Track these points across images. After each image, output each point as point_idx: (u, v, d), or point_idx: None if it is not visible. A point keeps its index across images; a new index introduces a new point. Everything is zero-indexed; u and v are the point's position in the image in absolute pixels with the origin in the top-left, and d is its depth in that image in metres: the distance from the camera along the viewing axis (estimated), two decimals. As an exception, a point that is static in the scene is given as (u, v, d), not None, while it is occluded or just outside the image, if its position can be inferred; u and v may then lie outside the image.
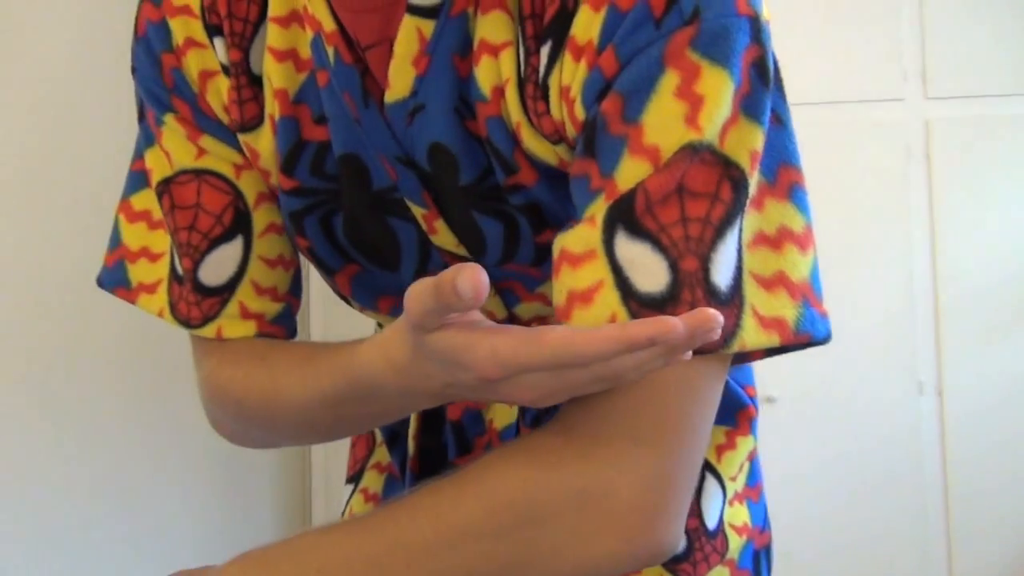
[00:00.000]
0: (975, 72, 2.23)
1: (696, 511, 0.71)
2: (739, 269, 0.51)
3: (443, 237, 0.64)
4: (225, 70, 0.67)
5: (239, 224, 0.69)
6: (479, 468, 0.54)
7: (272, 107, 0.66)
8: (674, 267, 0.50)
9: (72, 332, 1.83)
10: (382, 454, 0.84)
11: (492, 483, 0.52)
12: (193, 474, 2.17)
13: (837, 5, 2.17)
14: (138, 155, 0.73)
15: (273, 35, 0.65)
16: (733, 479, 0.75)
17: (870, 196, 2.20)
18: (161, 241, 0.71)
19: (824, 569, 2.21)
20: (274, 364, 0.66)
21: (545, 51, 0.55)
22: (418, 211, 0.63)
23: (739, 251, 0.52)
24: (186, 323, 0.70)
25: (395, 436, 0.81)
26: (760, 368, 0.77)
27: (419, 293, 0.46)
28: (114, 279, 0.73)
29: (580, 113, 0.54)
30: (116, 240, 0.74)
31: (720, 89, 0.51)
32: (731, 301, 0.51)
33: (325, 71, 0.63)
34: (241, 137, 0.68)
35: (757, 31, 0.52)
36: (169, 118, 0.69)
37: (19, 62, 1.71)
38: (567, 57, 0.54)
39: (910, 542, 2.30)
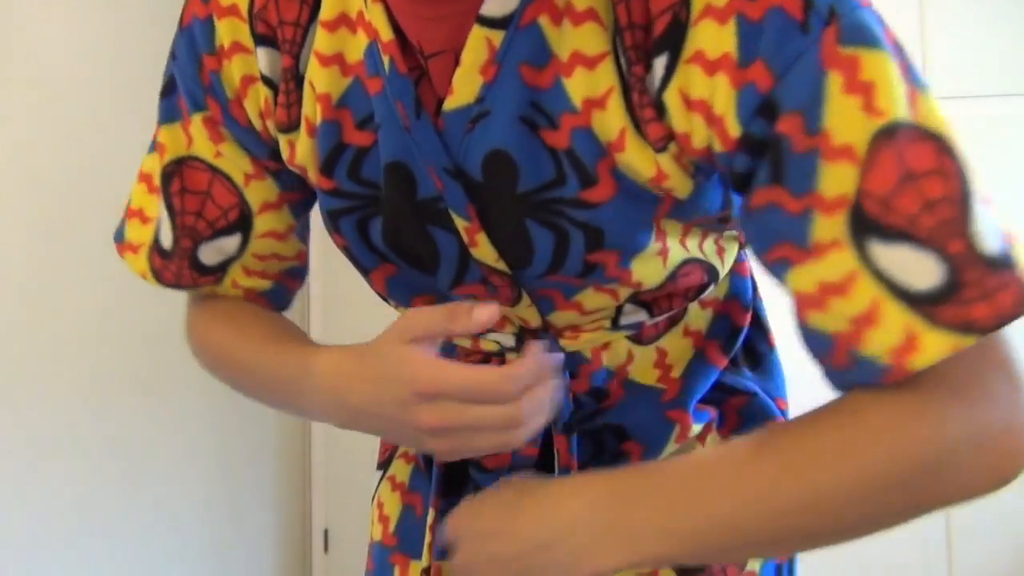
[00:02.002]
0: (975, 72, 2.23)
1: None
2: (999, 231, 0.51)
3: (483, 251, 0.64)
4: (266, 81, 0.68)
5: (241, 224, 0.73)
6: (842, 430, 0.54)
7: (311, 110, 0.66)
8: (943, 256, 0.50)
9: (76, 332, 1.83)
10: None
11: (879, 440, 0.53)
12: (193, 473, 2.17)
13: (837, 5, 2.17)
14: (159, 122, 0.75)
15: (320, 39, 0.65)
16: None
17: (870, 196, 2.20)
18: (154, 207, 0.75)
19: (824, 568, 2.21)
20: (238, 335, 0.75)
21: (661, 63, 0.56)
22: (461, 223, 0.63)
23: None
24: (176, 286, 0.76)
25: None
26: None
27: (430, 313, 0.61)
28: (119, 234, 0.78)
29: (734, 130, 0.54)
30: (129, 197, 0.78)
31: (885, 69, 0.51)
32: (1010, 263, 0.50)
33: (379, 79, 0.63)
34: (284, 136, 0.69)
35: (881, 18, 0.54)
36: (197, 118, 0.71)
37: (22, 62, 1.71)
38: (695, 70, 0.54)
39: (910, 541, 2.30)
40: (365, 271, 0.71)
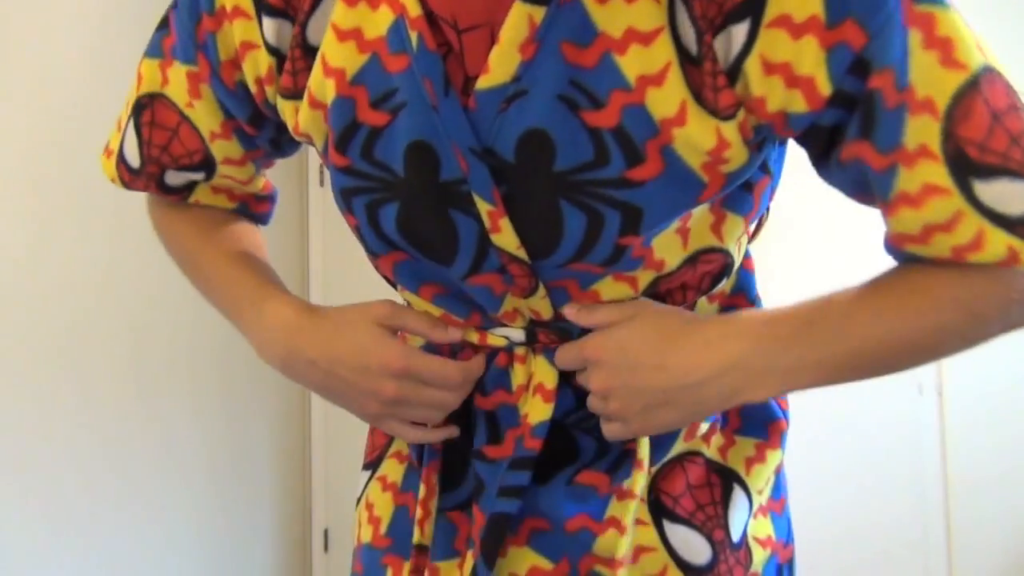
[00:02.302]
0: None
1: (723, 523, 0.71)
2: None
3: (505, 237, 0.63)
4: (271, 50, 0.68)
5: (205, 166, 0.77)
6: (960, 276, 0.61)
7: (318, 83, 0.66)
8: None
9: (76, 331, 1.82)
10: (402, 443, 0.82)
11: (984, 284, 0.61)
12: (193, 473, 2.17)
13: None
14: (145, 53, 0.78)
15: (339, 12, 0.65)
16: (760, 492, 0.75)
17: (870, 196, 2.20)
18: (123, 117, 0.79)
19: (825, 568, 2.21)
20: (203, 243, 0.80)
21: (741, 29, 0.57)
22: (484, 207, 0.63)
23: None
24: (145, 190, 0.81)
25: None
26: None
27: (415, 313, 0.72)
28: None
29: (825, 88, 0.57)
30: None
31: (956, 24, 0.57)
32: None
33: (404, 56, 0.63)
34: (290, 103, 0.69)
35: None
36: (181, 68, 0.73)
37: (24, 62, 1.71)
38: (779, 34, 0.56)
39: (910, 541, 2.30)
40: (374, 255, 0.71)
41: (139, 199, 0.84)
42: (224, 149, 0.76)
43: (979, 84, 0.56)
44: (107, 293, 1.90)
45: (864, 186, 0.61)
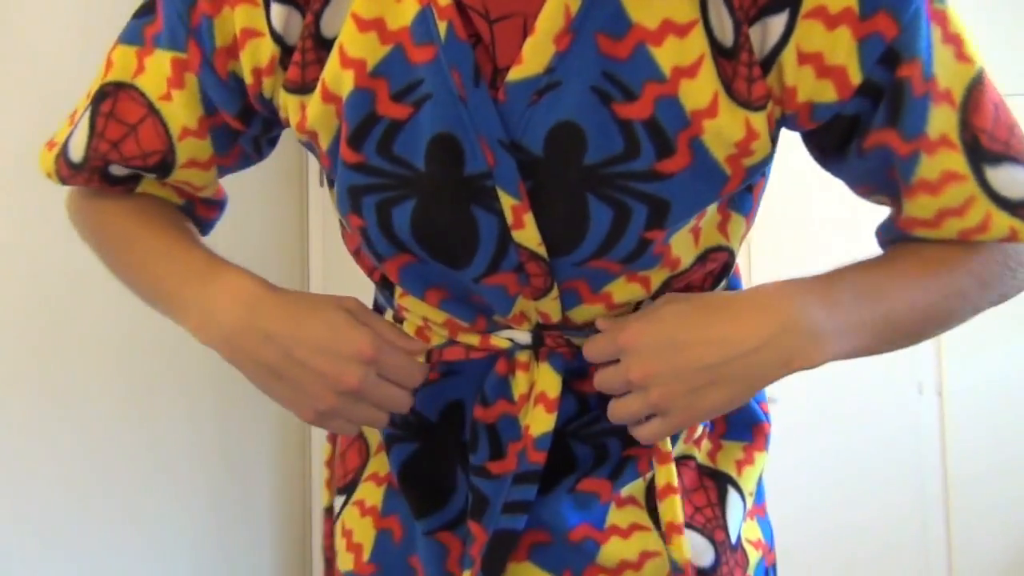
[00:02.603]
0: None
1: (723, 524, 0.71)
2: None
3: (528, 233, 0.62)
4: (276, 39, 0.65)
5: (158, 168, 0.71)
6: (970, 248, 0.66)
7: (333, 75, 0.63)
8: None
9: (72, 330, 1.82)
10: (380, 464, 0.78)
11: (992, 251, 0.66)
12: (192, 473, 2.17)
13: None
14: (118, 39, 0.73)
15: (360, 2, 0.63)
16: (751, 494, 0.75)
17: (870, 196, 2.20)
18: (80, 108, 0.73)
19: (825, 566, 2.21)
20: (141, 225, 0.73)
21: (779, 20, 0.59)
22: (508, 201, 0.61)
23: None
24: (87, 185, 0.75)
25: (394, 441, 0.76)
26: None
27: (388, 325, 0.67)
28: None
29: (856, 77, 0.59)
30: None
31: (961, 23, 0.62)
32: None
33: (431, 46, 0.61)
34: (296, 98, 0.66)
35: None
36: (165, 56, 0.68)
37: (18, 59, 1.71)
38: (815, 24, 0.59)
39: (910, 540, 2.30)
40: (379, 258, 0.68)
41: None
42: (192, 149, 0.70)
43: (983, 78, 0.62)
44: (93, 287, 1.89)
45: (876, 177, 0.64)
